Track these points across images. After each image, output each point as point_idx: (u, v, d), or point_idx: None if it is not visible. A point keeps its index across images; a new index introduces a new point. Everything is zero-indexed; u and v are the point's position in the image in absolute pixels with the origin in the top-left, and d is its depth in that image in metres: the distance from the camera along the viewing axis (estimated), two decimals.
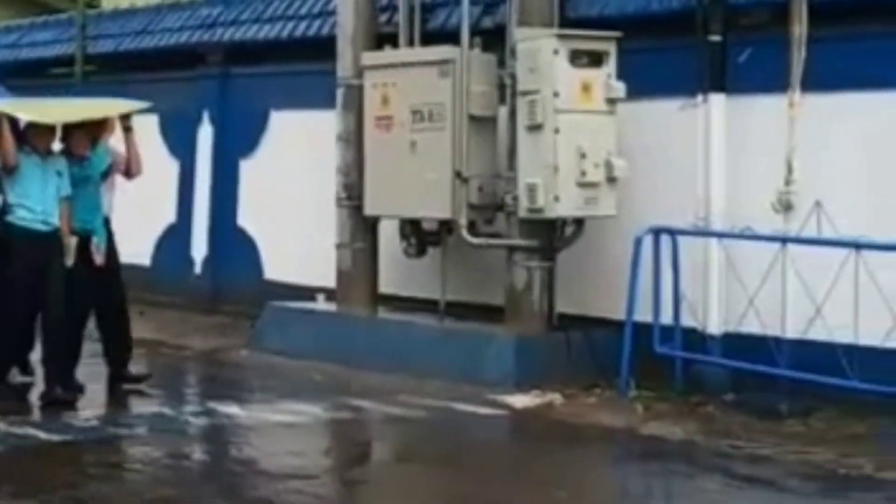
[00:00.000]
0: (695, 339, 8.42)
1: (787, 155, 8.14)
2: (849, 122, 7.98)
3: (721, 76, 8.45)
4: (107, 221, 8.49)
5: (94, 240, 8.28)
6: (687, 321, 8.43)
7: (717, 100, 8.45)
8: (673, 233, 8.40)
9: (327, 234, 10.14)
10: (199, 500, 6.35)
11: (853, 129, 7.96)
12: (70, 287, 8.05)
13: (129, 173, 8.72)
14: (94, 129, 8.38)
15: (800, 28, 7.99)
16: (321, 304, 10.19)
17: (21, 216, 8.01)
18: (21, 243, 7.99)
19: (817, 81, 8.01)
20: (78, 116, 8.34)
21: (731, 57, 8.44)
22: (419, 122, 9.22)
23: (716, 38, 8.40)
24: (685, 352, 8.35)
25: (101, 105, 8.92)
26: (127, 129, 8.54)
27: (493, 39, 9.22)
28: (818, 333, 7.69)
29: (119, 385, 8.55)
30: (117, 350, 8.60)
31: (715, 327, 8.42)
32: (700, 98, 8.51)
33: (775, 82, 8.15)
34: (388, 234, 9.92)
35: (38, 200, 8.01)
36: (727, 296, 8.39)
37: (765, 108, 8.29)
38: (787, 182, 8.16)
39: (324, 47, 10.39)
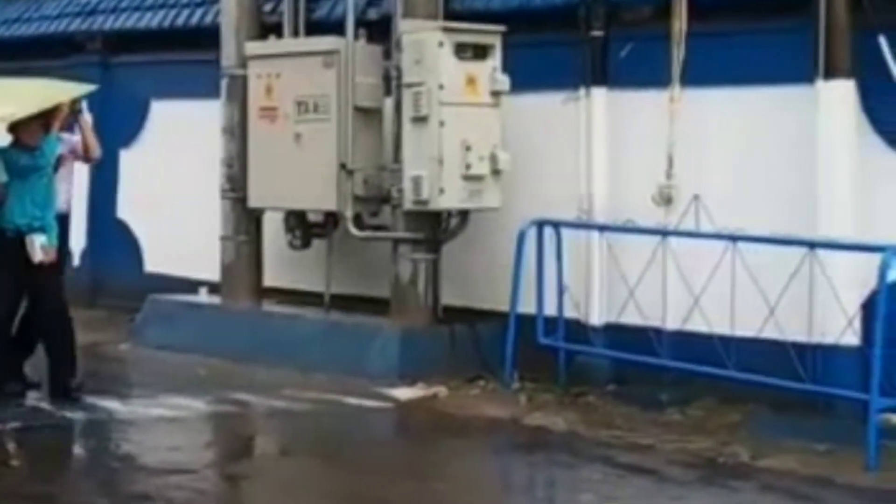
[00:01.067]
0: (578, 330, 8.52)
1: (667, 149, 8.27)
2: (727, 116, 8.12)
3: (603, 71, 8.56)
4: (65, 218, 8.04)
5: (39, 238, 7.72)
6: (570, 313, 8.52)
7: (599, 94, 8.56)
8: (556, 225, 8.48)
9: (211, 226, 10.00)
10: (78, 495, 6.23)
11: (731, 123, 8.11)
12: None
13: (87, 157, 8.40)
14: (48, 117, 7.85)
15: (680, 24, 8.12)
16: (204, 297, 10.05)
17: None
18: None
19: (697, 77, 8.15)
20: (31, 108, 7.81)
21: (613, 52, 8.55)
22: (304, 113, 9.15)
23: (598, 32, 8.52)
24: (568, 343, 8.44)
25: (48, 90, 8.39)
26: (78, 112, 8.23)
27: (379, 31, 9.20)
28: (697, 324, 7.84)
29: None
30: (56, 361, 8.00)
31: (597, 319, 8.53)
32: (582, 92, 8.61)
33: (656, 77, 8.27)
34: (275, 226, 9.83)
35: None
36: (609, 288, 8.50)
37: (646, 103, 8.40)
38: (668, 176, 8.29)
39: (207, 36, 10.26)
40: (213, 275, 10.06)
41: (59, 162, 8.16)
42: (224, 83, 9.88)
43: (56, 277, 8.06)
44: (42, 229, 7.78)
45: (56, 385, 8.00)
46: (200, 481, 6.46)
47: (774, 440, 7.14)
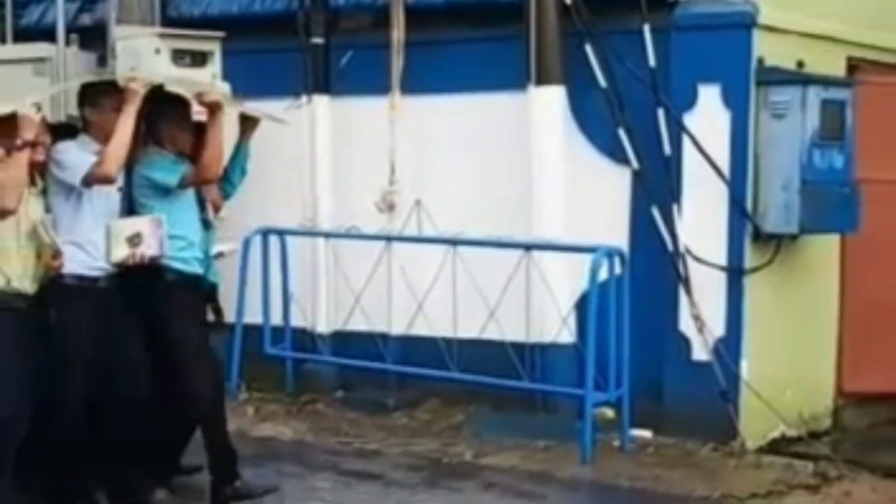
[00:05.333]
0: (305, 338, 8.50)
1: (389, 155, 8.34)
2: (446, 123, 8.27)
3: (325, 78, 8.58)
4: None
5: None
6: (297, 321, 8.48)
7: (321, 101, 8.58)
8: (281, 233, 8.43)
9: None
10: None
11: (450, 130, 8.26)
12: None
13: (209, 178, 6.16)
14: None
15: (398, 32, 8.21)
16: None
17: (179, 255, 5.89)
18: (179, 296, 5.90)
19: (417, 84, 8.25)
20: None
21: (334, 59, 8.57)
22: None
23: (318, 40, 8.53)
24: (295, 352, 8.40)
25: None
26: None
27: (93, 37, 8.90)
28: (421, 328, 7.94)
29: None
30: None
31: (324, 326, 8.53)
32: (304, 99, 8.60)
33: (377, 84, 8.33)
34: None
35: (191, 226, 5.95)
36: (335, 295, 8.51)
37: (368, 110, 8.45)
38: (391, 182, 8.37)
39: None
40: None
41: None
42: None
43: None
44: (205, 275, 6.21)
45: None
46: None
47: (497, 438, 7.32)
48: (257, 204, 8.67)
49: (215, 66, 8.55)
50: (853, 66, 8.34)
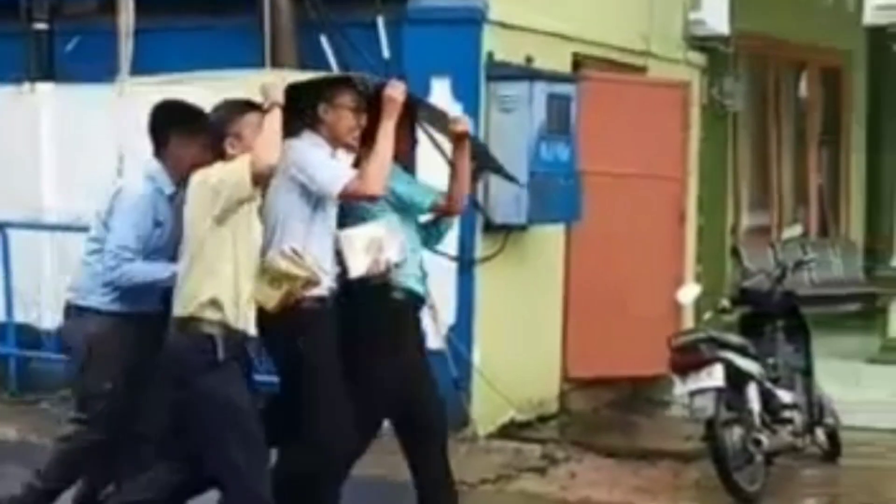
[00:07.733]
0: (30, 335, 8.17)
1: (117, 145, 8.10)
2: None
3: (49, 64, 8.28)
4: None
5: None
6: (22, 318, 8.15)
7: (46, 89, 8.28)
8: (2, 227, 8.08)
9: None
10: None
11: None
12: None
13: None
14: None
15: (126, 18, 7.99)
16: None
17: (406, 271, 5.24)
18: (398, 316, 5.28)
19: (146, 72, 8.01)
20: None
21: (60, 45, 8.28)
22: None
23: (42, 25, 8.24)
24: (20, 349, 8.07)
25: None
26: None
27: None
28: None
29: None
30: None
31: (50, 323, 8.20)
32: (27, 87, 8.26)
33: (105, 71, 8.08)
34: None
35: (415, 241, 5.34)
36: (62, 290, 8.19)
37: (96, 97, 8.18)
38: (119, 173, 8.12)
39: None
40: None
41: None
42: None
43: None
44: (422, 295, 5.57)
45: None
46: None
47: None
48: None
49: None
50: (578, 62, 8.66)
